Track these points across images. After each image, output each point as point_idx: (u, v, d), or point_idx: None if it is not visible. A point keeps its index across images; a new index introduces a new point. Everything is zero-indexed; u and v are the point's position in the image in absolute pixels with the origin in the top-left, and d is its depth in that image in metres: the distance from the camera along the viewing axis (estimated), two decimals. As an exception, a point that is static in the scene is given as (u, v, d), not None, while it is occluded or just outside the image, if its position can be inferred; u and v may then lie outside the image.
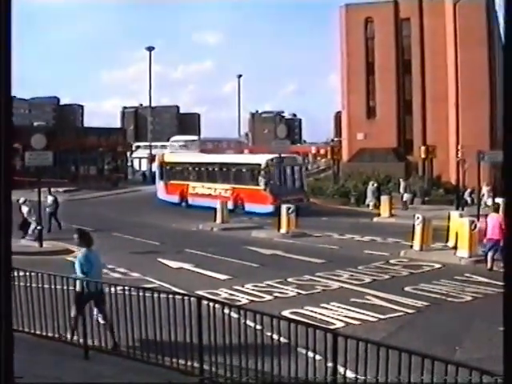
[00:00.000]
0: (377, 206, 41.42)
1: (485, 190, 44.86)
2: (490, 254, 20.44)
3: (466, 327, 12.84)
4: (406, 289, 16.56)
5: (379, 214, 38.97)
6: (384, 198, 39.79)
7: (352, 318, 13.26)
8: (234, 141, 70.27)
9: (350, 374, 6.35)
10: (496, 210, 21.36)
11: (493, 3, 58.94)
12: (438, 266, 20.79)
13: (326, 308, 14.21)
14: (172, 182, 47.07)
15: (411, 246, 23.83)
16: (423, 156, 50.17)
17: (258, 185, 40.49)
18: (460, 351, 11.01)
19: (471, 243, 21.76)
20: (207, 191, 43.81)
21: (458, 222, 23.29)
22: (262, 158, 41.52)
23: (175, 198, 45.55)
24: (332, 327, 11.46)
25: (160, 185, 48.30)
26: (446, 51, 55.82)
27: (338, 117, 63.99)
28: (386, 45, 59.25)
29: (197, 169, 46.69)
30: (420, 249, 23.37)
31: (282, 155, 33.90)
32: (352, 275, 18.66)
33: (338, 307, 14.18)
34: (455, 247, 22.75)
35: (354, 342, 5.95)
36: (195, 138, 64.05)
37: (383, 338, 11.19)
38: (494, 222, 20.70)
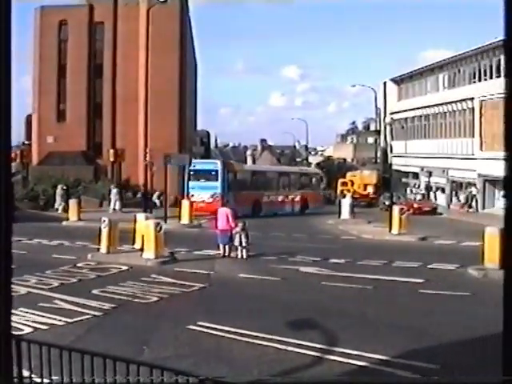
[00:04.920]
0: (66, 209, 41.29)
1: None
2: (227, 246, 23.71)
3: (153, 327, 13.20)
4: (94, 291, 16.70)
5: (68, 218, 38.83)
6: (72, 202, 39.74)
7: (40, 322, 13.17)
8: None
9: (36, 379, 6.45)
10: (224, 205, 25.24)
11: (187, 9, 61.05)
12: (125, 268, 21.21)
13: (15, 314, 13.89)
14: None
15: (98, 249, 24.12)
16: (112, 159, 50.59)
17: None
18: (148, 351, 11.30)
19: (157, 245, 22.55)
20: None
21: (144, 225, 23.97)
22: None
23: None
24: (20, 333, 11.33)
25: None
26: (138, 55, 56.96)
27: (28, 119, 62.44)
28: (79, 48, 59.15)
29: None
30: (107, 251, 23.69)
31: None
32: (40, 280, 18.39)
33: (26, 312, 13.97)
34: (142, 249, 23.42)
35: (37, 346, 6.06)
36: None
37: (72, 341, 11.26)
38: (223, 215, 23.95)
